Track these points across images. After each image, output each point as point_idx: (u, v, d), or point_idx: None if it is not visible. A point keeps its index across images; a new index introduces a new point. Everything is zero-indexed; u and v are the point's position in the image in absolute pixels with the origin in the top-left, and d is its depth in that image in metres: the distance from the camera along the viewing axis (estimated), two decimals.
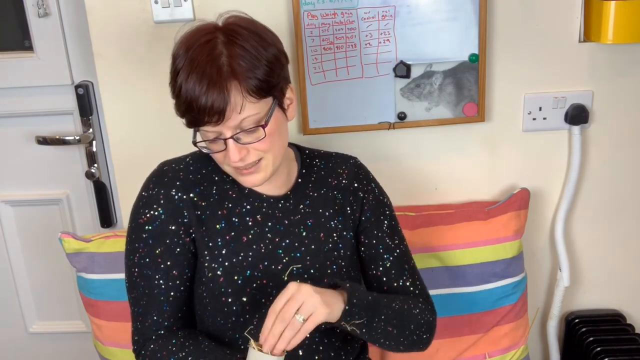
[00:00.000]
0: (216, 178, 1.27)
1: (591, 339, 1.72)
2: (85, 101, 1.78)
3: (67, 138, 1.82)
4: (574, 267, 1.78)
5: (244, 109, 1.11)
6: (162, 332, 1.23)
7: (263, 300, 1.23)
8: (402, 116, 1.62)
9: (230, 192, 1.26)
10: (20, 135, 1.87)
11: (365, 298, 1.18)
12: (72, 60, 1.78)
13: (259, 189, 1.27)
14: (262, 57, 1.12)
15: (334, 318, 1.13)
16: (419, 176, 1.71)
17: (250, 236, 1.25)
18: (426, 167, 1.70)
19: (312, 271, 1.26)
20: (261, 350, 1.09)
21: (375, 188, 1.36)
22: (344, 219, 1.31)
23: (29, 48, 1.77)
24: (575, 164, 1.66)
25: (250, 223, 1.25)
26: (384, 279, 1.32)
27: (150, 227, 1.22)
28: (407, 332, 1.25)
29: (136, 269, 1.24)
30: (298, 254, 1.26)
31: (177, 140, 1.64)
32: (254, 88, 1.11)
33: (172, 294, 1.23)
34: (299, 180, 1.30)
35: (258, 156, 1.17)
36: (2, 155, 1.90)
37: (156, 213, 1.22)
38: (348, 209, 1.31)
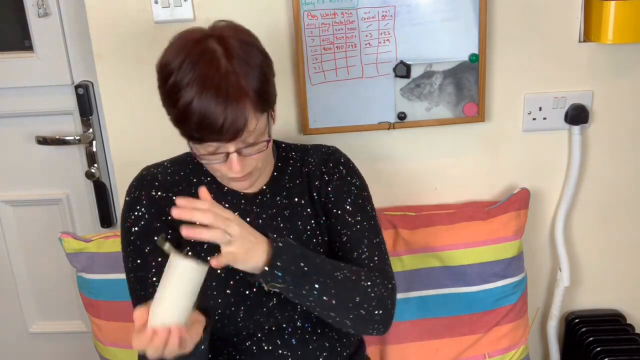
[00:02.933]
0: (194, 180, 1.30)
1: (591, 339, 1.72)
2: (85, 101, 1.78)
3: (67, 138, 1.82)
4: (574, 267, 1.78)
5: (252, 124, 1.12)
6: None
7: (247, 292, 1.25)
8: (402, 116, 1.62)
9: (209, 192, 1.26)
10: (20, 135, 1.87)
11: (295, 263, 1.13)
12: (72, 60, 1.78)
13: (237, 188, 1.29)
14: (264, 72, 1.14)
15: (242, 266, 1.10)
16: (419, 176, 1.71)
17: None
18: (426, 167, 1.70)
19: None
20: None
21: (344, 170, 1.34)
22: (317, 206, 1.32)
23: (29, 48, 1.77)
24: (575, 164, 1.66)
25: None
26: (339, 253, 1.29)
27: (136, 229, 1.25)
28: (351, 304, 1.19)
29: (132, 274, 1.26)
30: None
31: (177, 140, 1.64)
32: (262, 104, 1.13)
33: None
34: (275, 173, 1.33)
35: (254, 166, 1.20)
36: (2, 155, 1.90)
37: (139, 214, 1.25)
38: (315, 194, 1.32)
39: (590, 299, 1.83)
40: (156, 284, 1.20)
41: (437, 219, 1.61)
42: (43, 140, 1.83)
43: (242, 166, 1.16)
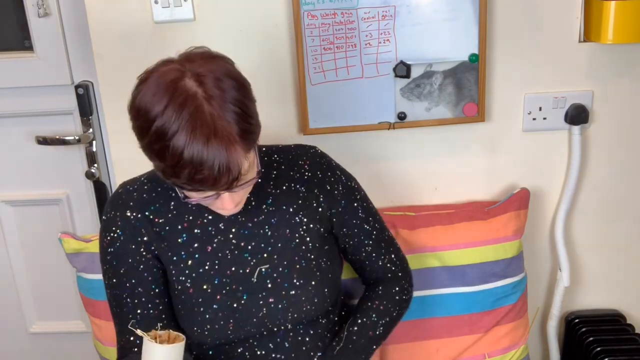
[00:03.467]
0: (173, 194, 1.25)
1: (591, 339, 1.72)
2: (85, 101, 1.78)
3: (67, 138, 1.82)
4: (574, 267, 1.78)
5: (245, 168, 1.07)
6: (137, 350, 1.23)
7: (235, 305, 1.24)
8: (402, 116, 1.62)
9: (189, 206, 1.25)
10: (20, 135, 1.87)
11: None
12: (72, 60, 1.78)
13: None
14: (246, 108, 1.06)
15: None
16: (419, 176, 1.71)
17: (214, 245, 1.25)
18: (426, 167, 1.70)
19: (280, 269, 1.27)
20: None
21: (342, 175, 1.35)
22: (308, 212, 1.29)
23: (29, 48, 1.77)
24: (575, 164, 1.66)
25: (213, 232, 1.25)
26: (367, 262, 1.38)
27: (112, 249, 1.24)
28: (391, 330, 1.38)
29: (109, 290, 1.27)
30: (265, 254, 1.27)
31: None
32: (249, 144, 1.06)
33: (138, 311, 1.23)
34: (259, 181, 1.24)
35: (244, 196, 1.18)
36: (2, 155, 1.90)
37: (115, 235, 1.24)
38: (314, 202, 1.30)
39: (590, 299, 1.83)
40: (130, 305, 1.23)
41: (437, 219, 1.61)
42: (43, 140, 1.83)
43: (234, 201, 1.13)
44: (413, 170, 1.70)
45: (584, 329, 1.76)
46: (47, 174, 1.91)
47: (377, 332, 1.33)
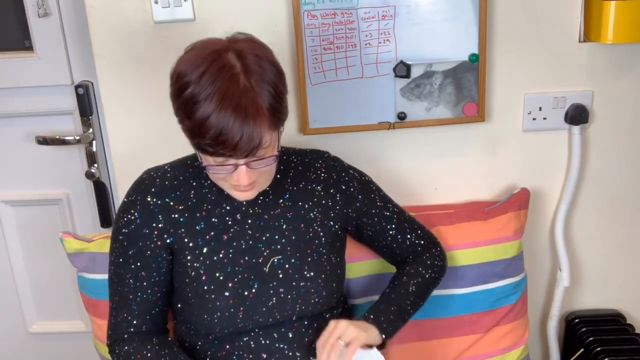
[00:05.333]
0: (194, 183, 1.32)
1: (591, 339, 1.72)
2: (85, 101, 1.78)
3: (67, 138, 1.82)
4: (574, 267, 1.78)
5: (266, 142, 1.14)
6: (133, 330, 1.29)
7: (246, 293, 1.27)
8: (402, 116, 1.62)
9: (209, 195, 1.31)
10: (20, 135, 1.87)
11: (388, 314, 1.32)
12: (72, 60, 1.78)
13: None
14: (279, 90, 1.16)
15: (373, 341, 1.27)
16: (419, 176, 1.71)
17: (230, 234, 1.30)
18: (426, 167, 1.70)
19: (292, 261, 1.31)
20: None
21: (355, 173, 1.43)
22: (323, 209, 1.36)
23: (29, 48, 1.77)
24: (575, 164, 1.66)
25: (230, 222, 1.31)
26: (394, 245, 1.43)
27: (126, 230, 1.29)
28: (428, 293, 1.42)
29: (112, 267, 1.32)
30: (279, 246, 1.32)
31: (177, 140, 1.64)
32: (275, 122, 1.16)
33: (139, 294, 1.29)
34: (278, 176, 1.34)
35: (259, 177, 1.22)
36: (2, 155, 1.90)
37: (132, 217, 1.29)
38: (330, 200, 1.37)
39: (590, 299, 1.83)
40: (131, 285, 1.29)
41: (437, 219, 1.61)
42: (43, 140, 1.83)
43: (249, 178, 1.18)
44: (413, 170, 1.70)
45: (584, 329, 1.76)
46: (47, 174, 1.90)
47: (410, 290, 1.37)
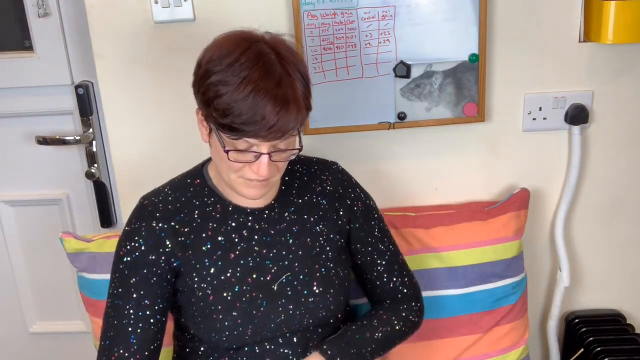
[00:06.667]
0: (197, 203, 1.28)
1: (591, 339, 1.72)
2: (85, 101, 1.78)
3: (67, 138, 1.82)
4: (574, 267, 1.78)
5: (291, 126, 1.14)
6: None
7: (254, 312, 1.25)
8: (402, 116, 1.62)
9: (213, 213, 1.28)
10: (20, 135, 1.87)
11: (346, 356, 1.27)
12: (72, 60, 1.78)
13: (243, 204, 1.28)
14: (309, 82, 1.18)
15: None
16: (419, 176, 1.71)
17: (237, 252, 1.27)
18: (426, 167, 1.70)
19: (301, 277, 1.29)
20: None
21: (361, 193, 1.40)
22: (328, 223, 1.34)
23: (29, 48, 1.77)
24: (575, 164, 1.66)
25: (236, 239, 1.28)
26: (377, 282, 1.40)
27: (128, 259, 1.24)
28: (393, 346, 1.37)
29: (110, 300, 1.26)
30: (286, 262, 1.29)
31: (177, 140, 1.64)
32: (304, 114, 1.16)
33: (140, 325, 1.23)
34: (283, 187, 1.33)
35: (275, 173, 1.20)
36: (2, 155, 1.90)
37: (136, 244, 1.24)
38: (334, 214, 1.35)
39: (590, 299, 1.83)
40: (132, 316, 1.22)
41: (437, 219, 1.61)
42: (43, 140, 1.83)
43: (270, 170, 1.17)
44: (413, 170, 1.70)
45: (584, 329, 1.76)
46: (47, 174, 1.90)
47: (376, 336, 1.32)
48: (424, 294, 1.56)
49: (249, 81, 1.10)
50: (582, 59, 1.61)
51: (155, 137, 1.65)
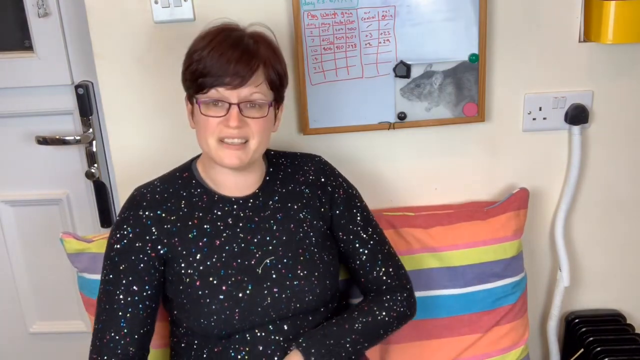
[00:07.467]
0: (184, 193, 1.34)
1: (591, 339, 1.72)
2: (85, 101, 1.78)
3: (67, 138, 1.82)
4: (574, 267, 1.78)
5: (260, 87, 1.25)
6: (120, 352, 1.27)
7: (240, 295, 1.28)
8: (402, 116, 1.62)
9: (199, 203, 1.34)
10: (20, 135, 1.87)
11: (321, 346, 1.28)
12: (72, 60, 1.78)
13: (228, 193, 1.34)
14: (281, 62, 1.30)
15: None
16: (418, 176, 1.71)
17: (222, 239, 1.32)
18: (426, 167, 1.70)
19: (285, 260, 1.33)
20: None
21: (343, 182, 1.45)
22: (311, 210, 1.38)
23: (29, 48, 1.77)
24: (575, 164, 1.66)
25: (222, 227, 1.33)
26: (361, 272, 1.42)
27: (118, 246, 1.30)
28: (378, 337, 1.37)
29: (102, 286, 1.32)
30: (270, 247, 1.33)
31: (177, 139, 1.64)
32: (273, 78, 1.27)
33: (130, 310, 1.28)
34: (267, 178, 1.38)
35: (249, 134, 1.26)
36: (2, 155, 1.90)
37: (125, 232, 1.30)
38: (317, 202, 1.39)
39: (590, 299, 1.83)
40: (122, 302, 1.28)
41: (437, 219, 1.61)
42: (43, 140, 1.83)
43: (240, 123, 1.24)
44: (413, 170, 1.70)
45: (584, 329, 1.76)
46: (47, 174, 1.90)
47: (355, 327, 1.32)
48: (424, 293, 1.57)
49: (217, 43, 1.23)
50: (582, 59, 1.61)
51: (155, 137, 1.65)
